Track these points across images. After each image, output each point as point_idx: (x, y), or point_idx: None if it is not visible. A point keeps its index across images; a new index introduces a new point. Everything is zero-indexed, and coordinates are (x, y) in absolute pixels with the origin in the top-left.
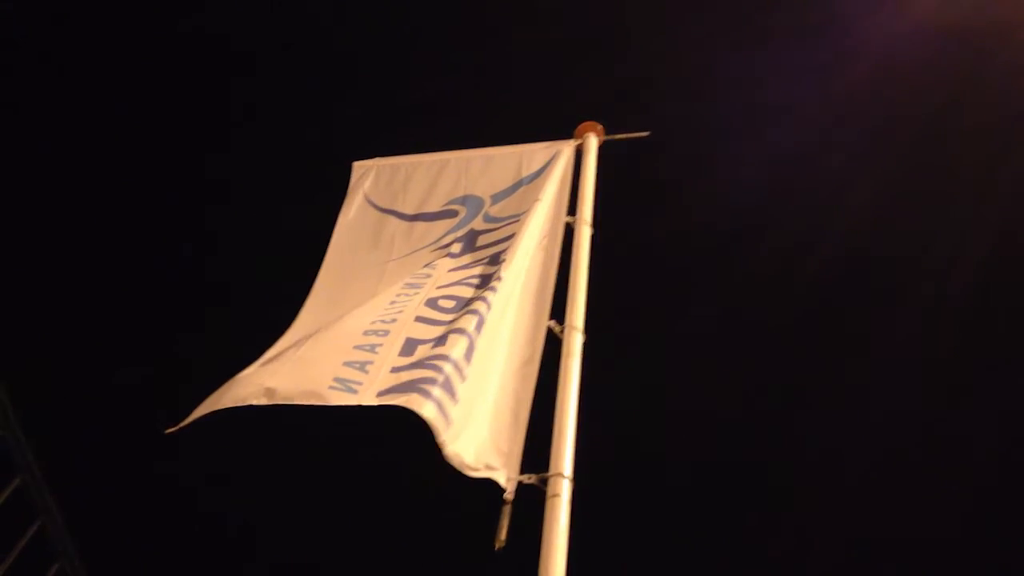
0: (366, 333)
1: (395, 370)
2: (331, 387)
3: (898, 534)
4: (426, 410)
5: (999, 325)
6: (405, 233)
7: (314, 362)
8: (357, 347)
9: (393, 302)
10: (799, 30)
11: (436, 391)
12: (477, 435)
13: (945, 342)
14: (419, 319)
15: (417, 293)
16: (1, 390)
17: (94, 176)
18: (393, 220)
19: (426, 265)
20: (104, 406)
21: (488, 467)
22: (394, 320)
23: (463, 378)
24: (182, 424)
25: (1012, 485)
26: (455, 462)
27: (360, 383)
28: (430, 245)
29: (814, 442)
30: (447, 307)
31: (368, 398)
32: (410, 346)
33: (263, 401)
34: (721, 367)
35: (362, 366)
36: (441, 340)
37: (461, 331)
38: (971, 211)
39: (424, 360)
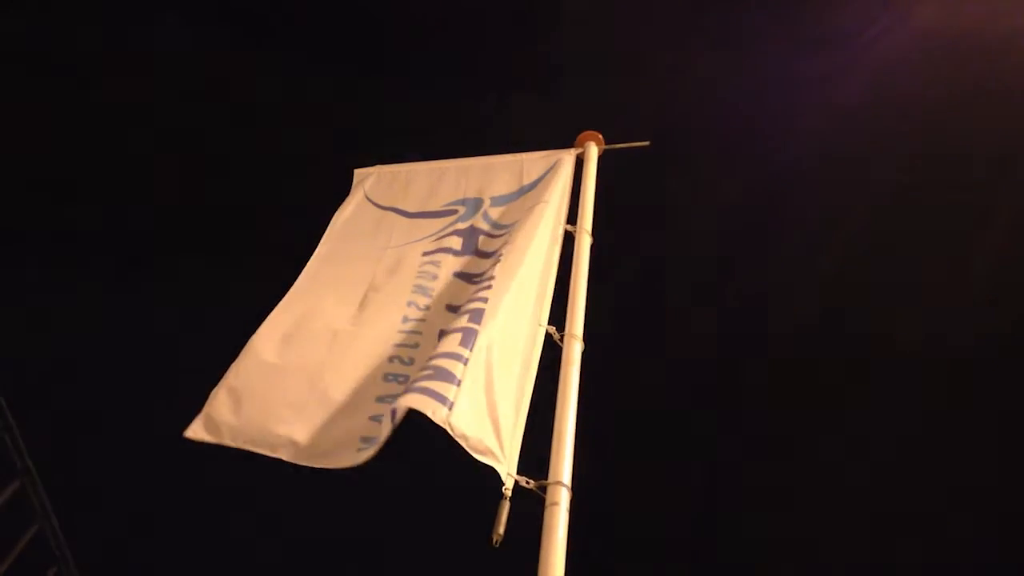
0: (386, 378)
1: None
2: (360, 449)
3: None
4: (421, 403)
5: (1007, 334)
6: (404, 226)
7: (339, 412)
8: (379, 399)
9: (405, 319)
10: (801, 42)
11: (432, 384)
12: (479, 418)
13: (952, 348)
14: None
15: (427, 316)
16: None
17: (92, 180)
18: (392, 215)
19: (426, 255)
20: (103, 409)
21: (489, 451)
22: (412, 361)
23: (464, 364)
24: (192, 432)
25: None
26: (456, 432)
27: (381, 433)
28: (429, 236)
29: (816, 451)
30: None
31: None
32: None
33: (288, 456)
34: (720, 376)
35: (379, 419)
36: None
37: (461, 332)
38: (973, 229)
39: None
